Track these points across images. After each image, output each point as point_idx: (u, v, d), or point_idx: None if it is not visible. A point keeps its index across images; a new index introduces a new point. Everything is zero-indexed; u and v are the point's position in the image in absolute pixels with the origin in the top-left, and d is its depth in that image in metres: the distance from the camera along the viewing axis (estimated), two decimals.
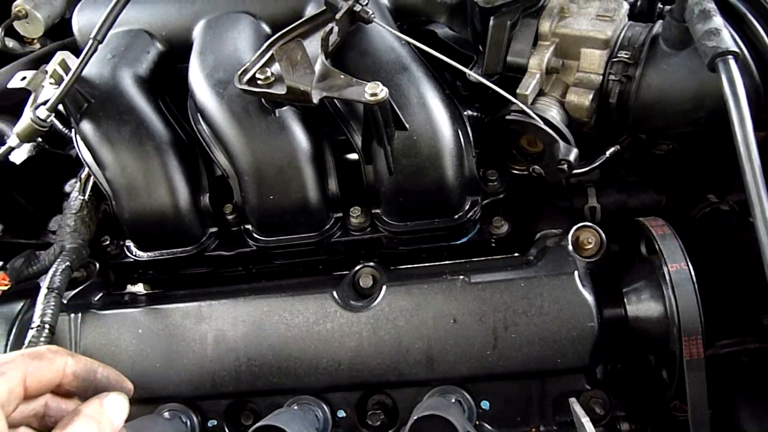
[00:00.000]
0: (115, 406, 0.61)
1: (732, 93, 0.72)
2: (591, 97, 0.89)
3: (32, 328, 0.80)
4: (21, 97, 1.04)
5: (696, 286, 0.79)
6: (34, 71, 0.95)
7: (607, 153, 0.98)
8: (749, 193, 0.68)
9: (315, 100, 0.81)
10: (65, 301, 0.94)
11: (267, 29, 1.02)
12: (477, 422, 0.89)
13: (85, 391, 0.62)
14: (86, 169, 1.00)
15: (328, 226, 0.96)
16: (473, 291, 0.88)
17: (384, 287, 0.90)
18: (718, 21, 0.77)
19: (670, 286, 0.80)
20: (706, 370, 0.79)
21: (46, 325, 0.80)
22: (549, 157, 0.90)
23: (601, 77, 0.89)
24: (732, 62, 0.74)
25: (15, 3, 1.31)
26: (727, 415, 0.90)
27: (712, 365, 0.82)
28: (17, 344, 0.92)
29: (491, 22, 0.90)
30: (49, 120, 0.87)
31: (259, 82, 0.84)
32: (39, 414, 0.61)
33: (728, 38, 0.75)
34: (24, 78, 0.93)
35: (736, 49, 0.75)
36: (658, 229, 0.86)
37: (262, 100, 0.87)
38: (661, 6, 1.00)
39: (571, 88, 0.91)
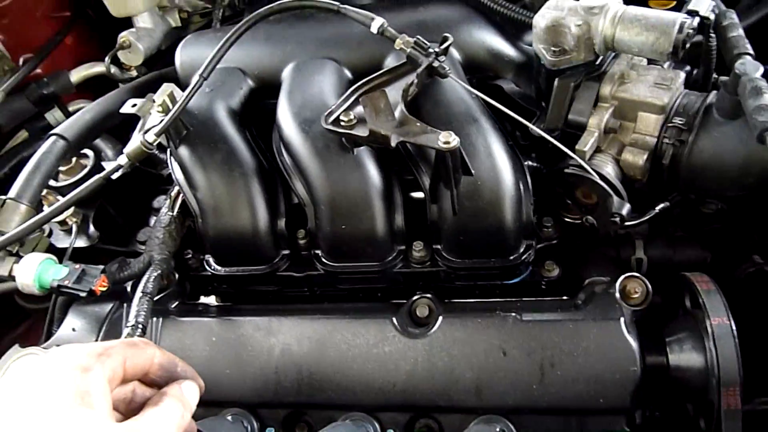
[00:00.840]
0: (191, 391, 0.69)
1: None
2: (645, 157, 0.96)
3: (128, 326, 0.90)
4: (121, 119, 1.16)
5: (737, 339, 0.84)
6: (143, 99, 1.07)
7: (657, 208, 1.03)
8: None
9: (393, 144, 0.90)
10: None
11: (349, 74, 1.13)
12: None
13: (166, 382, 0.69)
14: (177, 188, 1.10)
15: (391, 257, 1.03)
16: (523, 328, 0.94)
17: (440, 318, 0.97)
18: (767, 98, 0.84)
19: (711, 338, 0.85)
20: (743, 423, 0.84)
21: (140, 325, 0.89)
22: (602, 209, 0.97)
23: (656, 140, 0.96)
24: None
25: (121, 34, 1.47)
26: None
27: (749, 420, 0.86)
28: (106, 340, 1.01)
29: (556, 83, 0.99)
30: (155, 143, 0.99)
31: (342, 123, 0.94)
32: (126, 399, 0.67)
33: None
34: (135, 105, 1.05)
35: None
36: (703, 284, 0.91)
37: (344, 139, 0.97)
38: (716, 76, 1.07)
39: (627, 147, 0.98)
